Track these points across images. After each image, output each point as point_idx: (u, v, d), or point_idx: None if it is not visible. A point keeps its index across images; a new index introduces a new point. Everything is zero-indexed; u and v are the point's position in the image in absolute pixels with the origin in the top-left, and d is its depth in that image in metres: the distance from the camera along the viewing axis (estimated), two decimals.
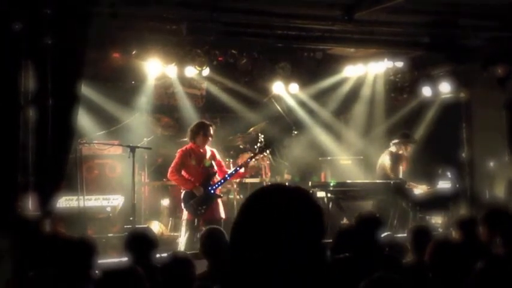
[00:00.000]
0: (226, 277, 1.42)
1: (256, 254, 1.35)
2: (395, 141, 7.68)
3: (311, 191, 7.88)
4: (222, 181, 6.55)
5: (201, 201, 6.32)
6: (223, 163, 6.83)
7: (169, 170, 6.47)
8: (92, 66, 6.63)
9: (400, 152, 7.61)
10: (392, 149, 7.63)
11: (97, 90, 7.32)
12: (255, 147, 7.06)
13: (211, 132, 6.50)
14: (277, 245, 1.35)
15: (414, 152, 8.42)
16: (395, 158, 7.55)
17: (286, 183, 7.98)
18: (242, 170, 6.66)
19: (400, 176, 7.57)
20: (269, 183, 7.99)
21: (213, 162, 6.58)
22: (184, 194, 6.43)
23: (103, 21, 5.88)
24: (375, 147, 8.17)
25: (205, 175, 6.46)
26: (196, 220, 6.34)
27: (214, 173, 6.54)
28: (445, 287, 3.08)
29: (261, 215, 1.39)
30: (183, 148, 6.62)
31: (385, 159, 7.57)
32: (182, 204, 6.46)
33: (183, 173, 6.46)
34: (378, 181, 7.44)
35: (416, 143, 7.90)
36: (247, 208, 1.43)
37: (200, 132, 6.44)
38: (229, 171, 6.64)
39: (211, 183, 6.48)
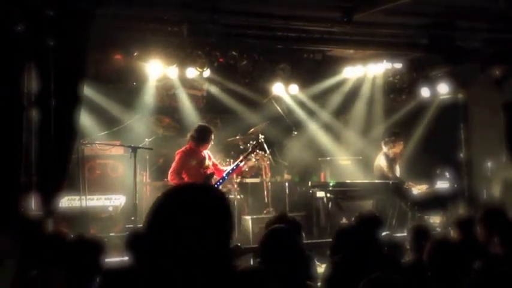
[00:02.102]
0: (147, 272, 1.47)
1: (161, 248, 1.42)
2: (386, 139, 7.74)
3: (311, 191, 7.97)
4: (221, 181, 6.66)
5: None
6: (218, 164, 6.95)
7: (170, 172, 6.56)
8: (93, 67, 6.70)
9: (392, 150, 7.65)
10: (385, 149, 7.68)
11: (99, 91, 7.37)
12: (248, 144, 7.18)
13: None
14: (179, 242, 1.41)
15: (413, 152, 8.48)
16: (390, 158, 7.62)
17: (286, 183, 8.09)
18: (242, 163, 6.81)
19: (398, 175, 7.63)
20: (269, 183, 8.06)
21: (210, 164, 6.71)
22: None
23: (105, 23, 5.92)
24: (374, 147, 8.21)
25: (205, 176, 6.56)
26: None
27: (213, 174, 6.65)
28: (443, 286, 3.12)
29: (165, 214, 1.45)
30: (183, 149, 6.70)
31: (380, 161, 7.63)
32: None
33: (183, 175, 6.54)
34: (376, 181, 7.48)
35: (404, 140, 7.89)
36: (154, 206, 1.50)
37: (208, 138, 6.62)
38: (226, 171, 6.76)
39: (210, 183, 6.57)
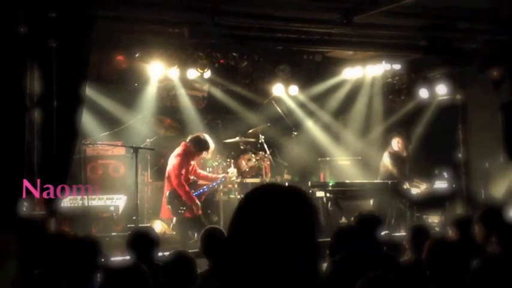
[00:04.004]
0: (227, 276, 1.44)
1: (253, 252, 1.40)
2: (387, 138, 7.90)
3: (310, 191, 8.01)
4: (206, 189, 7.11)
5: (183, 202, 6.82)
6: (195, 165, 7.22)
7: (174, 176, 6.78)
8: (95, 68, 6.76)
9: (395, 148, 7.73)
10: (390, 148, 7.78)
11: (101, 92, 7.42)
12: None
13: None
14: (272, 244, 1.39)
15: (412, 153, 8.54)
16: (394, 156, 7.70)
17: (286, 183, 8.16)
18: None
19: (406, 172, 7.70)
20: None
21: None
22: (171, 192, 6.81)
23: (107, 24, 5.97)
24: (373, 148, 8.28)
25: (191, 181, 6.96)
26: (174, 219, 6.92)
27: (196, 181, 7.03)
28: (442, 285, 3.16)
29: (257, 215, 1.44)
30: (180, 152, 6.96)
31: (384, 159, 7.72)
32: (166, 201, 6.84)
33: (181, 176, 6.85)
34: (375, 181, 7.55)
35: (403, 136, 7.94)
36: (243, 208, 1.49)
37: (202, 150, 6.93)
38: (210, 185, 7.18)
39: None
